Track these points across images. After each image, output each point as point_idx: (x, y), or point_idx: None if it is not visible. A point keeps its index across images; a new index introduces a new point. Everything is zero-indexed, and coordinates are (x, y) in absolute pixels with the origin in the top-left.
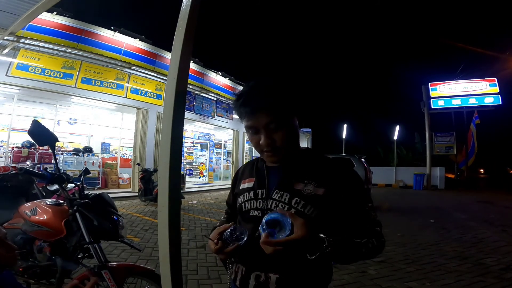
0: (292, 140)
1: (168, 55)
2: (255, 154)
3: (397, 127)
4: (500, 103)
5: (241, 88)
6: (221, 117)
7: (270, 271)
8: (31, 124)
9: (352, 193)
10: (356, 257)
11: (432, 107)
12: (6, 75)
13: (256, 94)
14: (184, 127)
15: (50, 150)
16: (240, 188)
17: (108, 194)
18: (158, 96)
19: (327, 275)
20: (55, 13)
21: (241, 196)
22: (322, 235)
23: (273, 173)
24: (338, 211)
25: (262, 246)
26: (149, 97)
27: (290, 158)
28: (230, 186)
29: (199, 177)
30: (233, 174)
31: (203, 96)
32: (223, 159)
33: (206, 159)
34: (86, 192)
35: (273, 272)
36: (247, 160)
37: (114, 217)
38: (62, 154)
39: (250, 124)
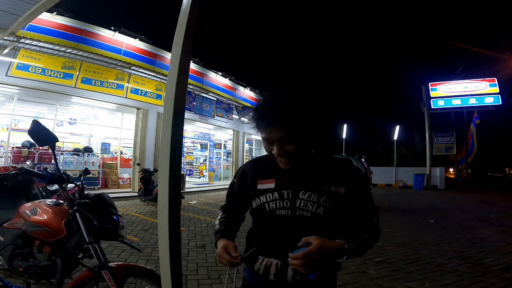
0: (305, 150)
1: (168, 55)
2: (255, 154)
3: (397, 127)
4: (500, 103)
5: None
6: (221, 117)
7: None
8: (31, 124)
9: (362, 189)
10: (364, 252)
11: (432, 107)
12: (6, 75)
13: (272, 110)
14: (184, 127)
15: (50, 150)
16: (258, 188)
17: (108, 194)
18: (158, 96)
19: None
20: (55, 13)
21: (261, 197)
22: (343, 241)
23: (294, 175)
24: (351, 205)
25: (293, 265)
26: (149, 97)
27: (306, 161)
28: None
29: (199, 177)
30: (233, 174)
31: (203, 96)
32: (223, 159)
33: (206, 159)
34: (86, 192)
35: None
36: (247, 160)
37: (114, 217)
38: (62, 154)
39: (265, 136)
